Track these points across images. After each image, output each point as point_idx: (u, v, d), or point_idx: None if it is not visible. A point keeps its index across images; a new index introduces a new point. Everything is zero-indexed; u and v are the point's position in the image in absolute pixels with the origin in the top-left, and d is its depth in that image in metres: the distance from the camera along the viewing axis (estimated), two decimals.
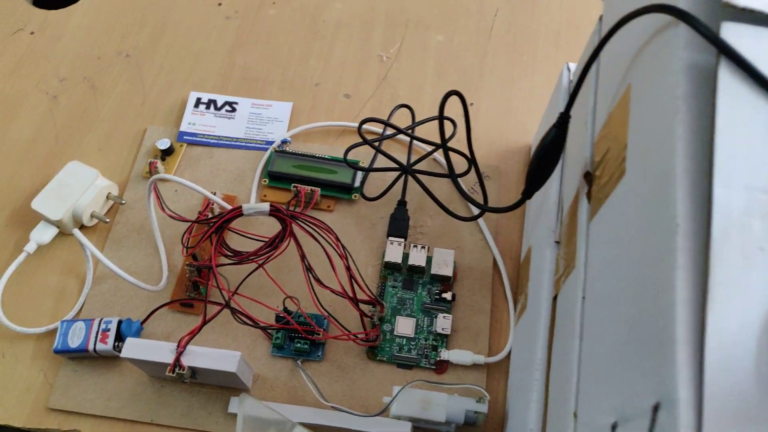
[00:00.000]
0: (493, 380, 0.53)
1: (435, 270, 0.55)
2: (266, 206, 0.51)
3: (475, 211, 0.59)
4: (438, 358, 0.53)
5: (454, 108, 0.62)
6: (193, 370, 0.48)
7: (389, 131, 0.61)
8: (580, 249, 0.39)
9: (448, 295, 0.55)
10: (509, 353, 0.53)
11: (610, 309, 0.31)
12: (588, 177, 0.40)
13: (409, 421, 0.49)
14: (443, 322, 0.54)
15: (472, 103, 0.65)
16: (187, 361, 0.48)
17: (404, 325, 0.54)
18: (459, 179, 0.59)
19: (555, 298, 0.44)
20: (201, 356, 0.48)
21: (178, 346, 0.48)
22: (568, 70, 0.53)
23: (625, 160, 0.34)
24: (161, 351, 0.48)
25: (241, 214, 0.51)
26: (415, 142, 0.61)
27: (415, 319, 0.54)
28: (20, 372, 0.53)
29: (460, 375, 0.53)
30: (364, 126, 0.56)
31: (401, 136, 0.61)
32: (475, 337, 0.54)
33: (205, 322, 0.49)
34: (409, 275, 0.56)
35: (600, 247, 0.35)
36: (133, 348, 0.48)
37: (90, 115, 0.65)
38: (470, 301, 0.56)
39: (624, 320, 0.29)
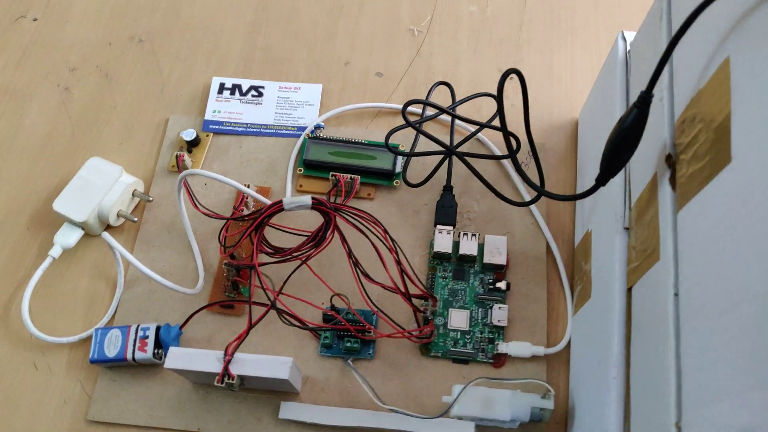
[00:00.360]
0: (553, 372, 0.50)
1: (488, 259, 0.52)
2: (308, 199, 0.48)
3: (526, 194, 0.56)
4: (495, 352, 0.50)
5: (492, 84, 0.59)
6: (242, 378, 0.46)
7: (429, 111, 0.58)
8: (665, 241, 0.36)
9: (502, 285, 0.52)
10: (569, 343, 0.51)
11: (727, 314, 0.28)
12: (670, 161, 0.37)
13: (472, 420, 0.46)
14: (499, 314, 0.51)
15: (511, 77, 0.61)
16: (236, 369, 0.45)
17: (458, 318, 0.51)
18: (507, 161, 0.56)
19: (630, 289, 0.41)
20: (250, 364, 0.45)
21: (225, 353, 0.45)
22: (624, 39, 0.49)
23: (728, 145, 0.30)
24: (207, 360, 0.45)
25: (282, 209, 0.48)
26: (457, 122, 0.58)
27: (468, 311, 0.51)
28: (56, 384, 0.51)
29: (518, 368, 0.50)
30: (391, 106, 0.53)
31: (443, 117, 0.58)
32: (532, 328, 0.51)
33: (251, 326, 0.46)
34: (460, 265, 0.53)
35: (698, 241, 0.32)
36: (177, 358, 0.45)
37: (106, 106, 0.62)
38: (525, 289, 0.53)
39: (752, 329, 0.26)
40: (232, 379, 0.45)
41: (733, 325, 0.27)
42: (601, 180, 0.39)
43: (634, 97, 0.46)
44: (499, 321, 0.51)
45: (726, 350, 0.28)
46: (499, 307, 0.51)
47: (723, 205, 0.30)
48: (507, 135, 0.44)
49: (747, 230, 0.28)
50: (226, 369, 0.45)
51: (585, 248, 0.51)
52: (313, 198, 0.48)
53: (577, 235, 0.54)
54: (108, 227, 0.56)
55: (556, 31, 0.64)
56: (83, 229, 0.55)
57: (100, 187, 0.55)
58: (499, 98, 0.42)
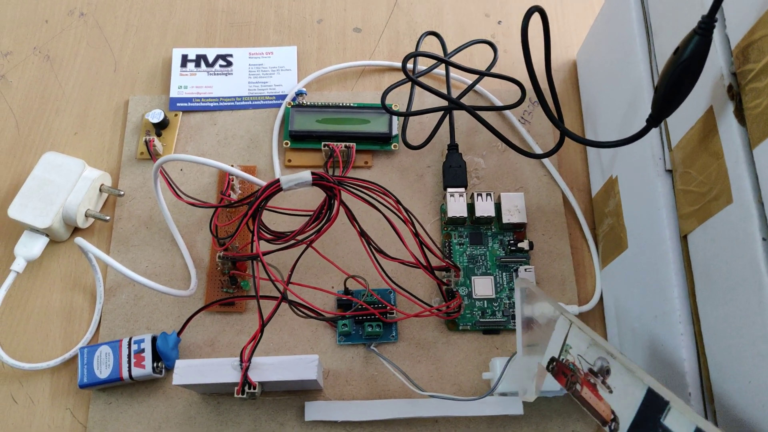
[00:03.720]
0: None
1: (507, 218, 0.48)
2: (308, 175, 0.42)
3: (534, 145, 0.52)
4: None
5: (480, 30, 0.55)
6: (262, 384, 0.41)
7: (422, 66, 0.52)
8: (739, 180, 0.32)
9: (524, 244, 0.48)
10: (601, 298, 0.48)
11: None
12: (732, 92, 0.33)
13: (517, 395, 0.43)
14: (526, 276, 0.47)
15: (500, 21, 0.57)
16: (256, 376, 0.40)
17: (482, 286, 0.47)
18: (510, 111, 0.52)
19: (685, 237, 0.38)
20: (272, 368, 0.40)
21: (240, 360, 0.40)
22: None
23: None
24: (222, 370, 0.40)
25: (280, 189, 0.43)
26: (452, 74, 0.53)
27: (492, 277, 0.48)
28: (41, 416, 0.44)
29: None
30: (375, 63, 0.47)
31: (436, 70, 0.53)
32: (561, 286, 0.48)
33: (264, 324, 0.41)
34: (475, 228, 0.49)
35: None
36: (186, 373, 0.40)
37: (53, 93, 0.54)
38: (547, 246, 0.49)
39: None
40: (254, 388, 0.39)
41: None
42: (656, 120, 0.35)
43: (658, 30, 0.42)
44: None
45: None
46: (525, 269, 0.47)
47: None
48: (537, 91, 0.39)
49: None
50: (245, 377, 0.39)
51: (608, 196, 0.47)
52: (312, 173, 0.43)
53: (594, 183, 0.51)
54: (75, 230, 0.49)
55: None
56: (47, 235, 0.48)
57: (62, 185, 0.48)
58: (524, 42, 0.37)
